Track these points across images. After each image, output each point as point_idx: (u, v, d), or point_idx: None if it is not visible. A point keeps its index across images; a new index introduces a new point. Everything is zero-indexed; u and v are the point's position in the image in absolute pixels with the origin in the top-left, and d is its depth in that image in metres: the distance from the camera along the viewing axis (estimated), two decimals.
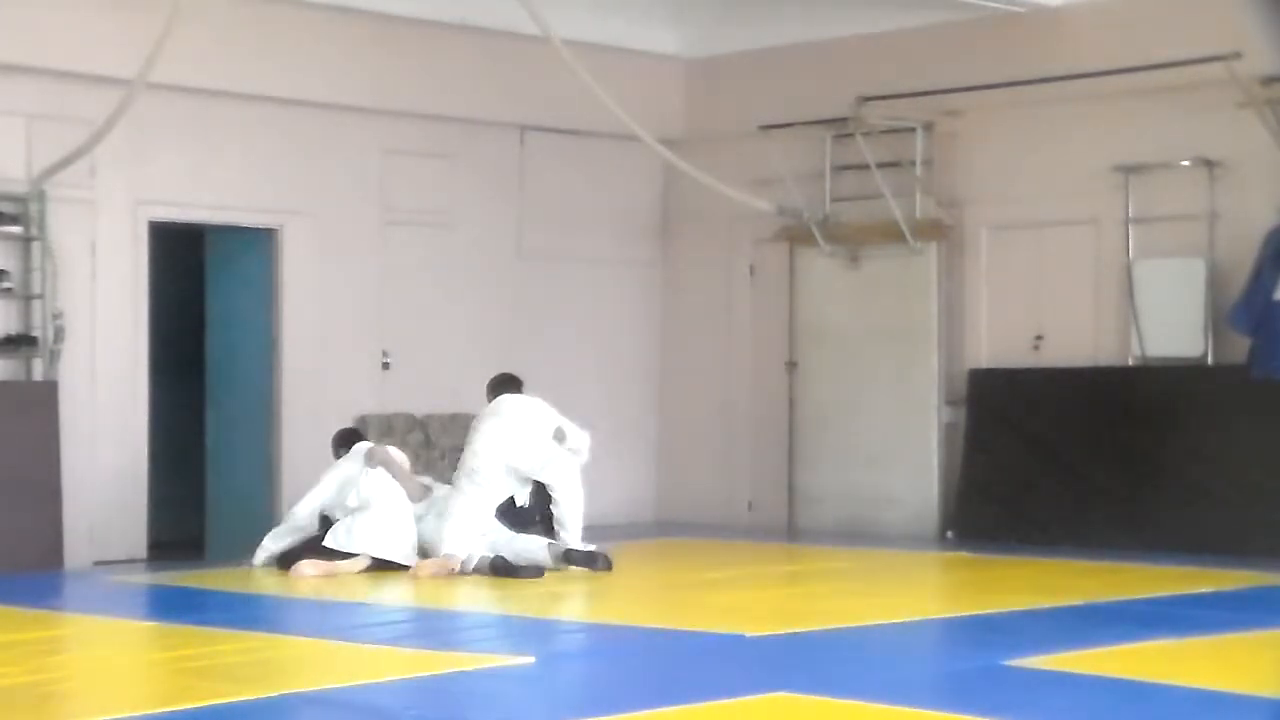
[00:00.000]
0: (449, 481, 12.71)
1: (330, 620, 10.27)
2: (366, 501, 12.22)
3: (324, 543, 12.15)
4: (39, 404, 12.91)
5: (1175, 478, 13.71)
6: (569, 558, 11.95)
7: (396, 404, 14.91)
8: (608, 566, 11.93)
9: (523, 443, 12.28)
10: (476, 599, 11.14)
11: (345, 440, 12.88)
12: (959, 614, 10.53)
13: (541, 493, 12.40)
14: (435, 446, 14.75)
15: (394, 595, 11.42)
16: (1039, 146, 14.69)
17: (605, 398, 16.47)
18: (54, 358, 13.08)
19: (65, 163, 12.84)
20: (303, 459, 14.26)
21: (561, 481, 12.38)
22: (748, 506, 16.39)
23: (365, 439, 12.99)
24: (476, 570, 11.81)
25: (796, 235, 15.73)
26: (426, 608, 11.08)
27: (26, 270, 13.10)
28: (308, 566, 11.98)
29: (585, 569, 11.89)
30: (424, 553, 12.24)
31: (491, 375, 13.04)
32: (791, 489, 16.00)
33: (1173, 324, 13.91)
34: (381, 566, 12.11)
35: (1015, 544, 13.89)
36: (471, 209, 15.63)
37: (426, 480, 12.90)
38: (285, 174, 14.48)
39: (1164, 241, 14.04)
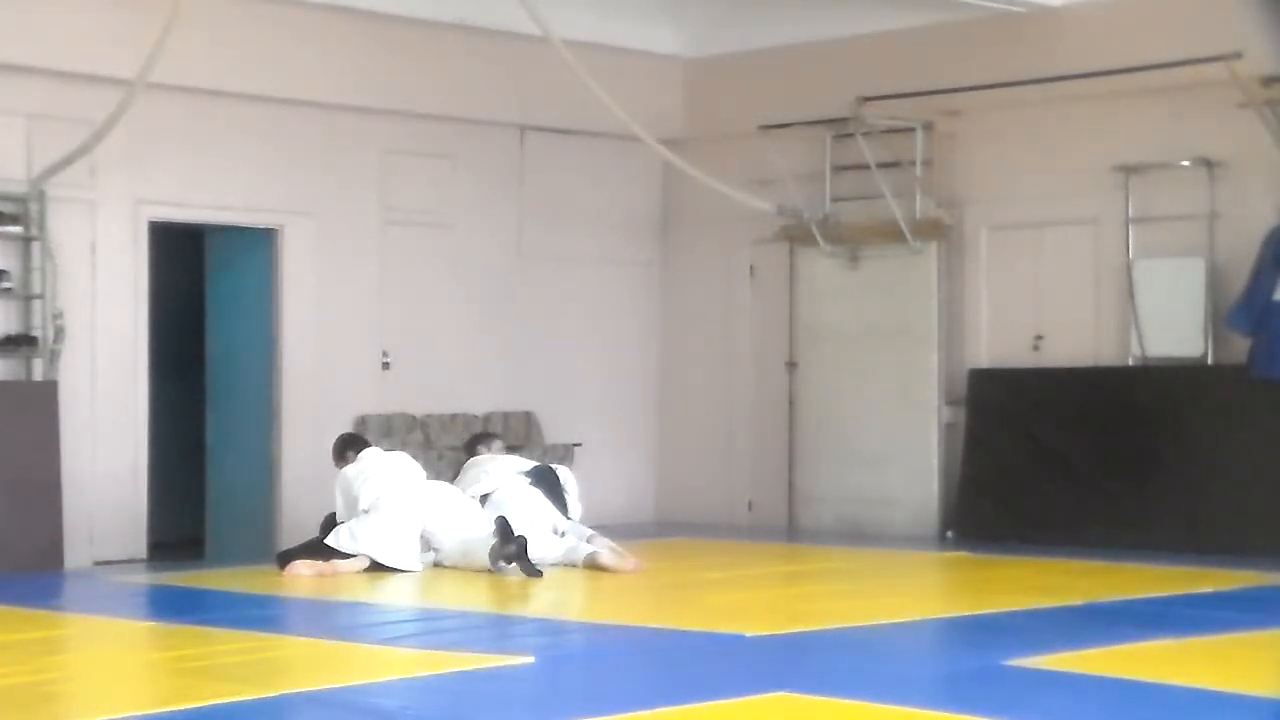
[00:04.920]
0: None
1: (330, 620, 10.26)
2: (376, 503, 12.18)
3: (326, 541, 12.12)
4: (39, 404, 12.91)
5: (1175, 478, 13.71)
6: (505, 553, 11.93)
7: (396, 404, 14.91)
8: (538, 574, 11.84)
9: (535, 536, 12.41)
10: (476, 599, 11.13)
11: (347, 446, 12.77)
12: (959, 614, 10.52)
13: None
14: (434, 447, 14.75)
15: (394, 595, 11.42)
16: (1039, 146, 14.68)
17: (605, 398, 16.47)
18: (54, 358, 13.08)
19: (65, 163, 12.84)
20: (303, 459, 14.27)
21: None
22: (748, 506, 16.38)
23: (368, 444, 12.78)
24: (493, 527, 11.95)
25: (796, 235, 15.73)
26: (426, 607, 11.08)
27: (26, 270, 13.10)
28: (303, 566, 11.96)
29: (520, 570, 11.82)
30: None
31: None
32: (791, 489, 16.00)
33: (1173, 324, 13.91)
34: (380, 567, 12.09)
35: (1015, 544, 13.89)
36: (471, 209, 15.62)
37: None
38: (285, 174, 14.48)
39: (1164, 241, 14.04)
